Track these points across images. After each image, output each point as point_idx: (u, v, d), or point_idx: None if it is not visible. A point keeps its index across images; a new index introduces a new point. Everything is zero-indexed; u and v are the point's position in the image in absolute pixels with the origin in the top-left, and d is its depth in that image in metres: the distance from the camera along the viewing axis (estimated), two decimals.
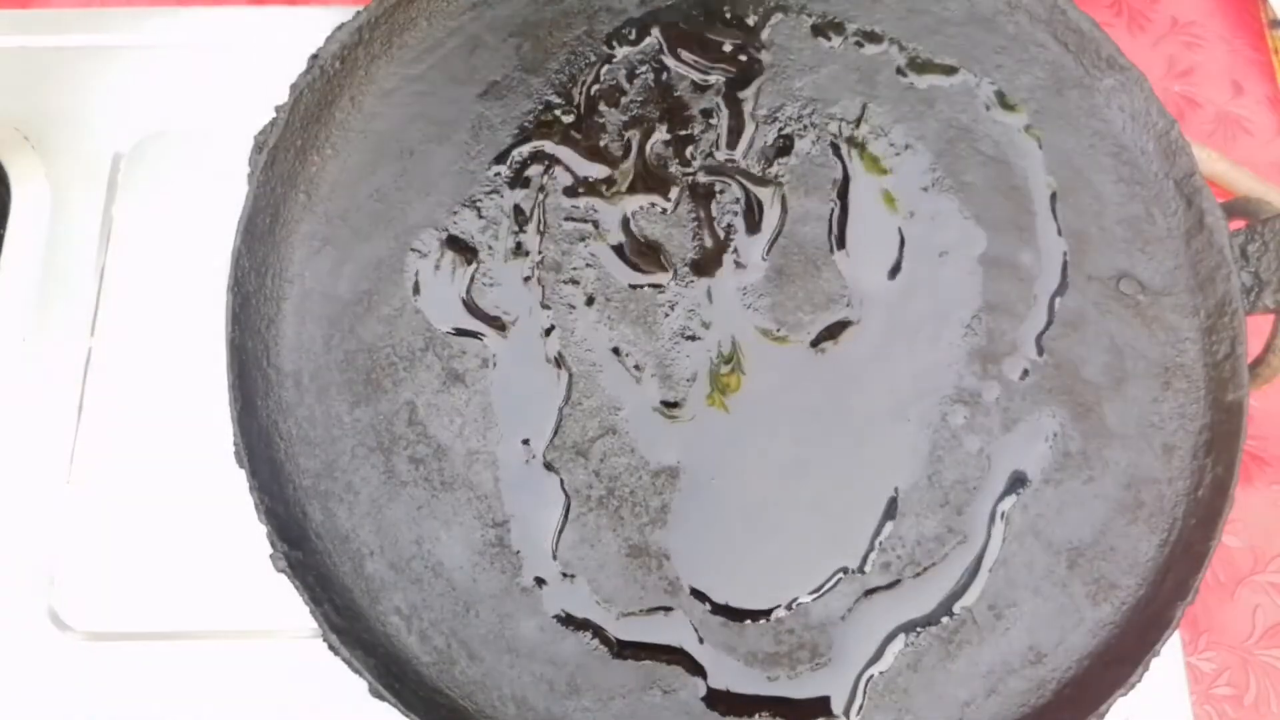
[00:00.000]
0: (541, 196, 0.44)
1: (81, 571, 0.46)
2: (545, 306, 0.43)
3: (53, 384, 0.49)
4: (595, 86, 0.46)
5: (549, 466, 0.41)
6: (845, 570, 0.40)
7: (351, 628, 0.38)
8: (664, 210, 0.44)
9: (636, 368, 0.42)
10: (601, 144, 0.45)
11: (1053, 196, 0.45)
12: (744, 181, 0.45)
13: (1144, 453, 0.42)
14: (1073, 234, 0.44)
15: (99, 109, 0.53)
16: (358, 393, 0.42)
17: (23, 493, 0.47)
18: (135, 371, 0.49)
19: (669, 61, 0.46)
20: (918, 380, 0.43)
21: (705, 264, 0.44)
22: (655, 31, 0.46)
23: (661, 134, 0.45)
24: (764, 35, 0.47)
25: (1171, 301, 0.43)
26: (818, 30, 0.47)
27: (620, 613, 0.40)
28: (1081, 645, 0.40)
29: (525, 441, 0.41)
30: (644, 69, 0.46)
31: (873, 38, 0.47)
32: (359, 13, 0.44)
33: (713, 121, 0.45)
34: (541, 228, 0.44)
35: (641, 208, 0.44)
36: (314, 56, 0.43)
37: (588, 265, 0.44)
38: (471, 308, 0.43)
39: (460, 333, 0.42)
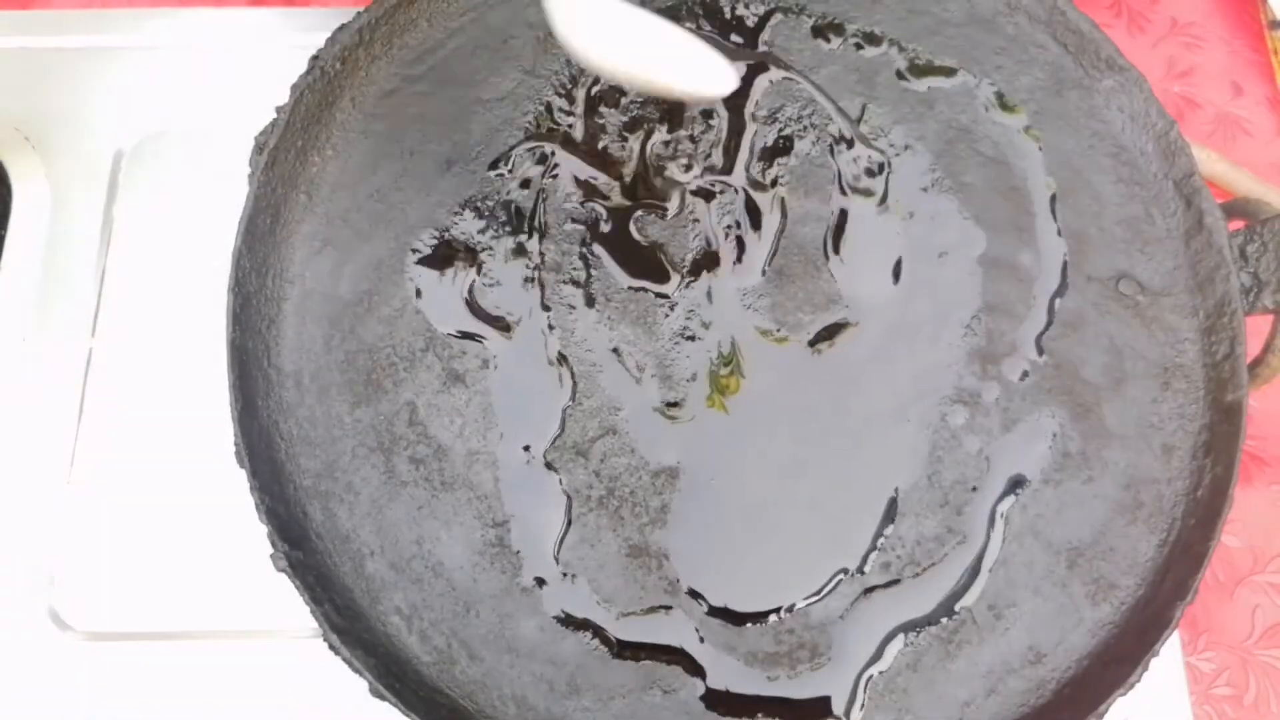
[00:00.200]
0: (542, 197, 0.44)
1: (81, 571, 0.46)
2: (545, 307, 0.43)
3: (53, 384, 0.49)
4: (595, 87, 0.46)
5: (549, 467, 0.41)
6: (845, 571, 0.40)
7: (352, 628, 0.38)
8: (664, 215, 0.44)
9: (637, 368, 0.43)
10: (602, 145, 0.45)
11: (1052, 197, 0.45)
12: (744, 184, 0.45)
13: (1143, 453, 0.42)
14: (1072, 234, 0.44)
15: (99, 109, 0.53)
16: (358, 393, 0.42)
17: (23, 493, 0.47)
18: (135, 371, 0.49)
19: None
20: (917, 381, 0.43)
21: (705, 265, 0.44)
22: None
23: (661, 134, 0.45)
24: (764, 36, 0.47)
25: (1171, 302, 0.43)
26: (818, 31, 0.47)
27: (620, 613, 0.40)
28: (1081, 645, 0.40)
29: (526, 448, 0.41)
30: None
31: (872, 39, 0.47)
32: (359, 14, 0.44)
33: (712, 122, 0.45)
34: (542, 229, 0.44)
35: (649, 223, 0.44)
36: (315, 57, 0.43)
37: (588, 265, 0.44)
38: (474, 309, 0.43)
39: (463, 335, 0.42)
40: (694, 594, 0.40)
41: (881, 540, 0.41)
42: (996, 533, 0.41)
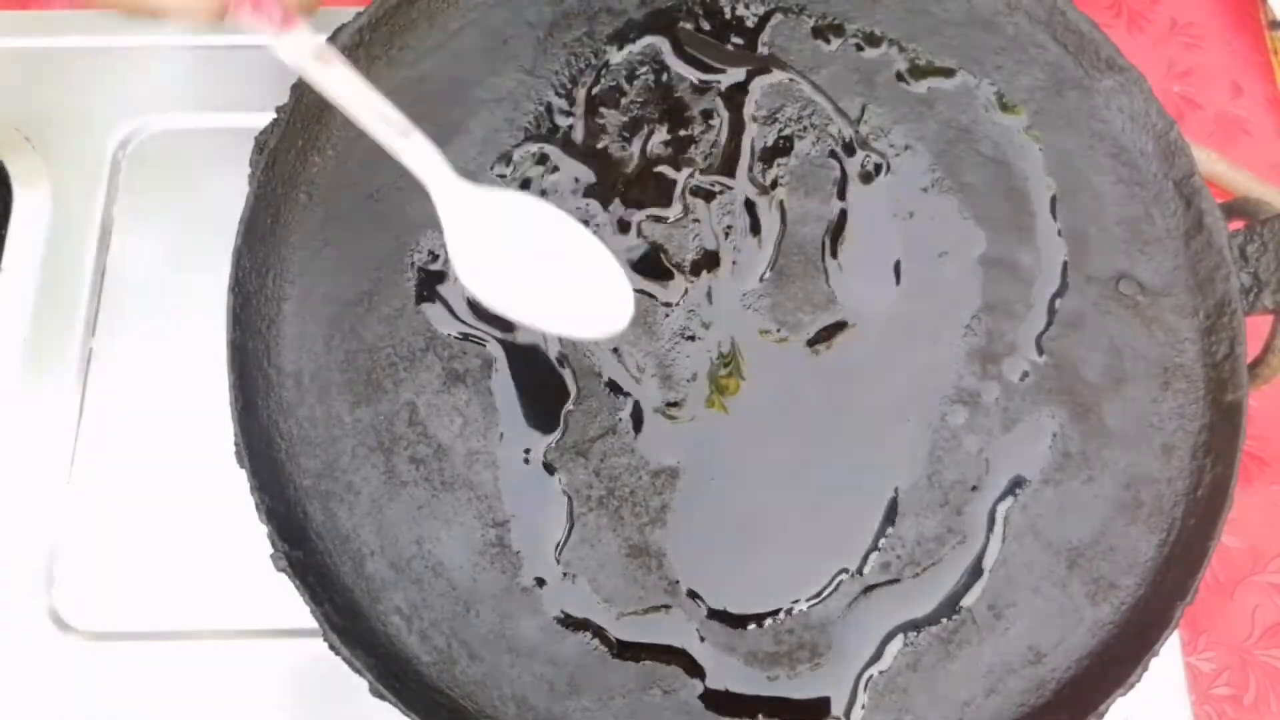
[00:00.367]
0: (543, 196, 0.44)
1: (81, 571, 0.46)
2: None
3: (53, 384, 0.49)
4: (596, 87, 0.46)
5: (549, 467, 0.41)
6: (845, 572, 0.40)
7: (352, 627, 0.38)
8: (665, 220, 0.44)
9: (637, 368, 0.42)
10: (602, 145, 0.45)
11: (1052, 197, 0.45)
12: (744, 184, 0.45)
13: (1143, 453, 0.42)
14: (1072, 234, 0.44)
15: (99, 109, 0.53)
16: (358, 393, 0.42)
17: (23, 493, 0.47)
18: (135, 371, 0.49)
19: (670, 63, 0.46)
20: (917, 381, 0.43)
21: (705, 265, 0.44)
22: (658, 36, 0.46)
23: (662, 135, 0.45)
24: (764, 36, 0.47)
25: (1171, 302, 0.43)
26: (818, 32, 0.47)
27: (620, 613, 0.40)
28: (1081, 645, 0.40)
29: (526, 449, 0.41)
30: (644, 70, 0.46)
31: (872, 39, 0.47)
32: (359, 14, 0.44)
33: (713, 122, 0.45)
34: None
35: (649, 223, 0.44)
36: None
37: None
38: (477, 309, 0.43)
39: (465, 338, 0.42)
40: (693, 595, 0.40)
41: (881, 540, 0.41)
42: (996, 533, 0.41)
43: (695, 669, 0.39)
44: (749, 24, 0.47)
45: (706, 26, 0.47)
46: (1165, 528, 0.41)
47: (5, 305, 0.50)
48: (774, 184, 0.45)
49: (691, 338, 0.43)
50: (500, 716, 0.39)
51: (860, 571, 0.40)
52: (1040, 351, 0.43)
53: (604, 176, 0.45)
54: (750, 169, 0.45)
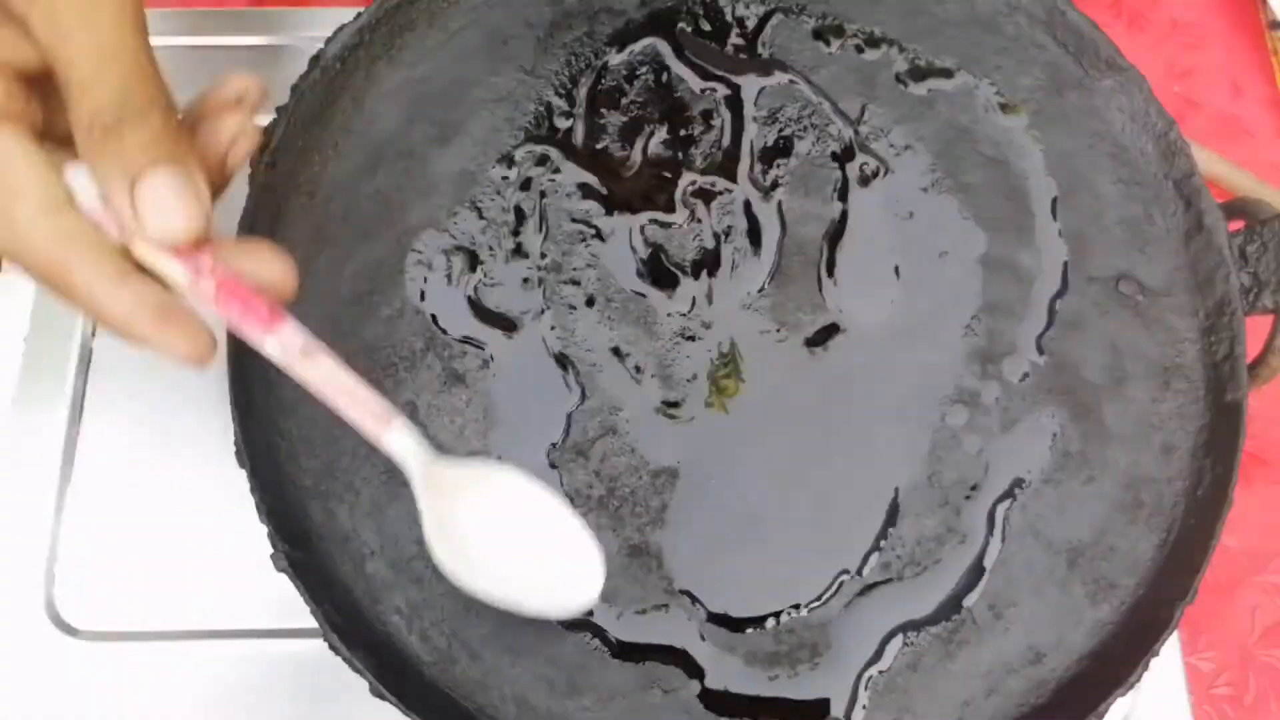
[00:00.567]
0: (542, 198, 0.44)
1: (81, 571, 0.46)
2: (546, 307, 0.43)
3: (52, 384, 0.49)
4: (596, 88, 0.46)
5: (549, 467, 0.41)
6: (846, 573, 0.40)
7: (352, 627, 0.38)
8: (666, 225, 0.44)
9: (637, 368, 0.43)
10: (602, 145, 0.45)
11: (1053, 198, 0.45)
12: (744, 184, 0.45)
13: (1143, 453, 0.42)
14: (1072, 235, 0.44)
15: None
16: None
17: (23, 493, 0.47)
18: (135, 371, 0.49)
19: (671, 64, 0.46)
20: (917, 381, 0.43)
21: (705, 266, 0.44)
22: (658, 37, 0.46)
23: (662, 135, 0.45)
24: (764, 36, 0.47)
25: (1171, 302, 0.43)
26: (818, 33, 0.47)
27: (620, 612, 0.40)
28: (1081, 645, 0.40)
29: (527, 449, 0.41)
30: (644, 70, 0.46)
31: (872, 40, 0.47)
32: (360, 14, 0.44)
33: (713, 123, 0.45)
34: (542, 229, 0.44)
35: (649, 224, 0.44)
36: (315, 58, 0.43)
37: (588, 266, 0.44)
38: (478, 310, 0.43)
39: (466, 340, 0.42)
40: (693, 597, 0.40)
41: (882, 541, 0.41)
42: (996, 533, 0.41)
43: (695, 669, 0.39)
44: (749, 24, 0.47)
45: (706, 27, 0.47)
46: (1165, 528, 0.41)
47: (5, 305, 0.50)
48: (774, 185, 0.45)
49: (691, 338, 0.43)
50: (500, 716, 0.39)
51: (860, 572, 0.40)
52: (1040, 351, 0.43)
53: (605, 178, 0.45)
54: (750, 170, 0.45)
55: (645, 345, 0.43)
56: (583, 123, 0.45)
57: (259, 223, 0.42)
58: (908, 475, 0.42)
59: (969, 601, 0.40)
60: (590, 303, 0.43)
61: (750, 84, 0.46)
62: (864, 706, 0.39)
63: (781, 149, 0.45)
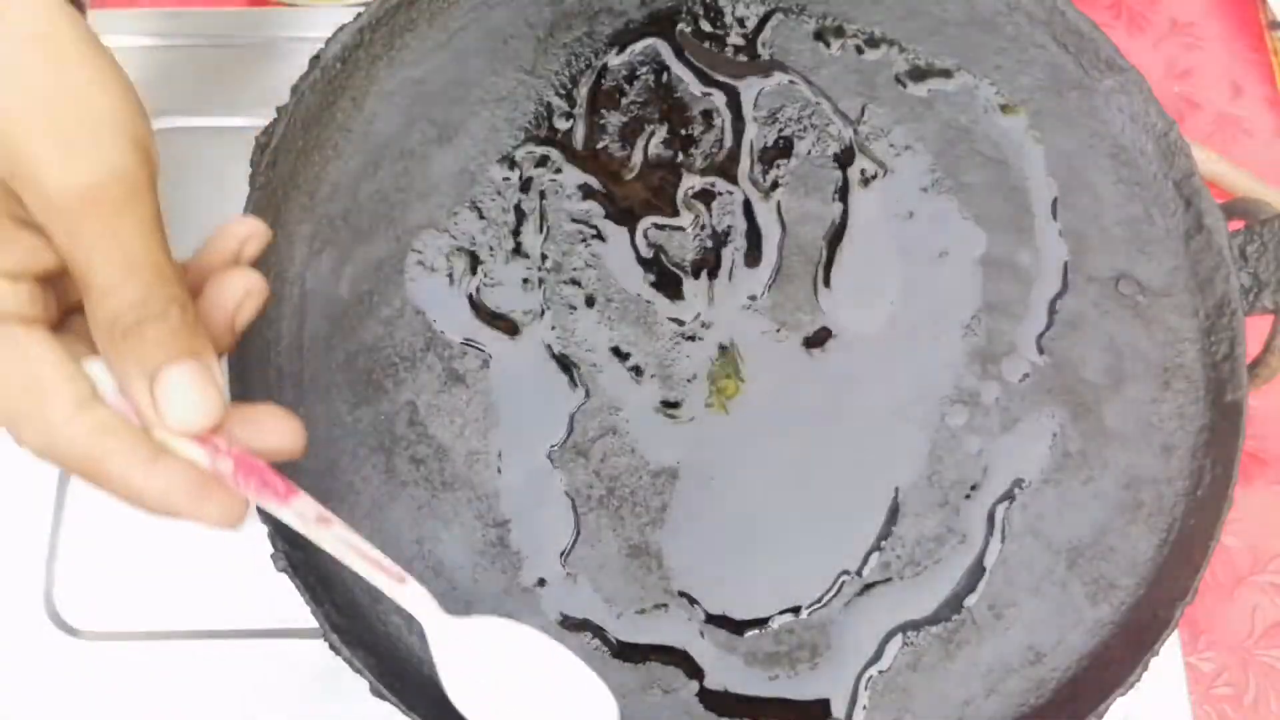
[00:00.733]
0: (542, 198, 0.44)
1: (81, 571, 0.46)
2: (546, 307, 0.43)
3: None
4: (596, 88, 0.46)
5: (550, 467, 0.41)
6: (846, 573, 0.40)
7: (353, 627, 0.38)
8: (667, 229, 0.44)
9: (637, 368, 0.43)
10: (602, 145, 0.45)
11: (1053, 198, 0.45)
12: (744, 185, 0.45)
13: (1143, 453, 0.42)
14: (1072, 235, 0.44)
15: None
16: (359, 393, 0.42)
17: (23, 493, 0.47)
18: None
19: (672, 65, 0.46)
20: (917, 381, 0.43)
21: (706, 266, 0.44)
22: (658, 38, 0.46)
23: (662, 135, 0.45)
24: (764, 36, 0.47)
25: (1171, 302, 0.43)
26: (818, 33, 0.47)
27: (620, 612, 0.40)
28: (1080, 645, 0.40)
29: (527, 449, 0.41)
30: (645, 70, 0.46)
31: (872, 40, 0.47)
32: (360, 14, 0.44)
33: (714, 123, 0.45)
34: (543, 229, 0.44)
35: (650, 224, 0.44)
36: (315, 58, 0.43)
37: (588, 266, 0.44)
38: (479, 310, 0.43)
39: (467, 342, 0.42)
40: (692, 598, 0.40)
41: (882, 541, 0.41)
42: (996, 533, 0.41)
43: (695, 669, 0.39)
44: (749, 24, 0.47)
45: (706, 27, 0.47)
46: (1165, 528, 0.41)
47: None
48: (774, 185, 0.45)
49: (691, 338, 0.43)
50: None
51: (860, 572, 0.40)
52: (1040, 351, 0.43)
53: (605, 178, 0.45)
54: (751, 170, 0.45)
55: (645, 345, 0.43)
56: (583, 123, 0.45)
57: None
58: (908, 475, 0.42)
59: (969, 601, 0.40)
60: (590, 303, 0.43)
61: (750, 86, 0.46)
62: (864, 706, 0.39)
63: (781, 149, 0.45)
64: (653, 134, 0.45)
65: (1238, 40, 0.59)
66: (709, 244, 0.44)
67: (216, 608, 0.46)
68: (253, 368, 0.41)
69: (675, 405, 0.42)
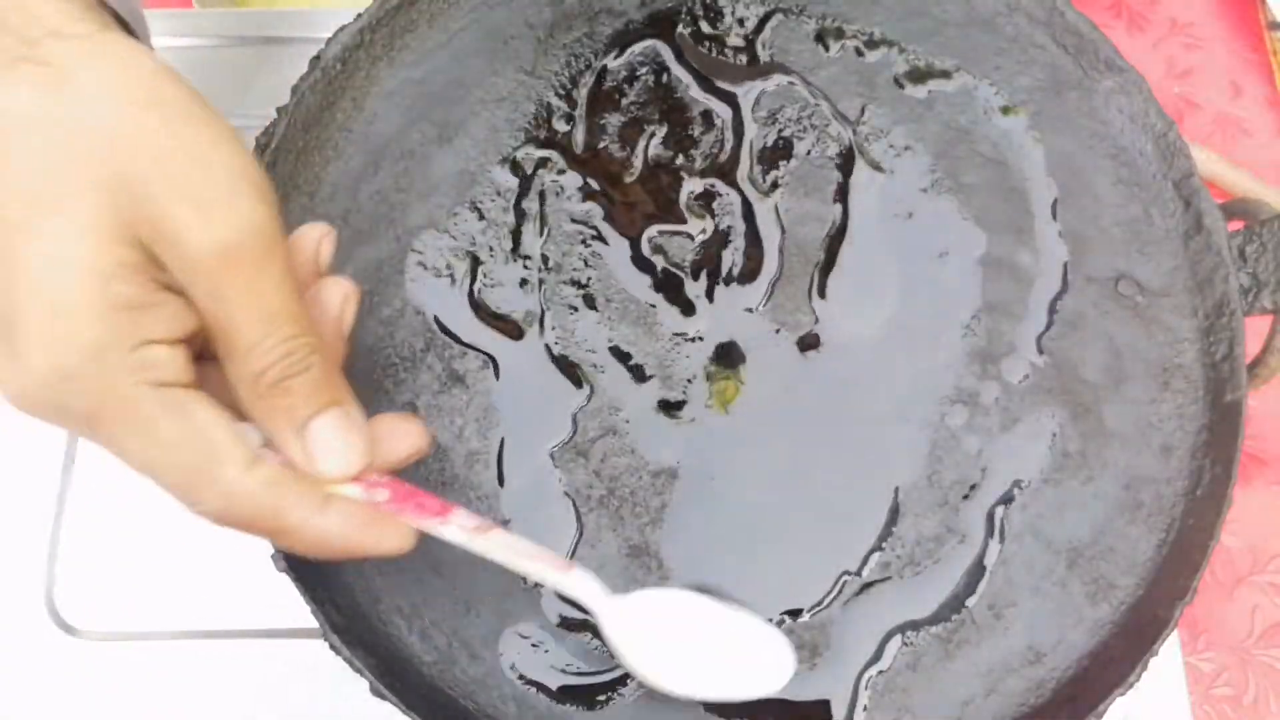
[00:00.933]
0: (542, 199, 0.44)
1: (81, 571, 0.46)
2: (546, 308, 0.43)
3: None
4: (596, 88, 0.46)
5: (550, 467, 0.41)
6: (846, 574, 0.40)
7: (353, 627, 0.38)
8: (673, 234, 0.44)
9: (637, 369, 0.43)
10: (602, 145, 0.45)
11: (1052, 198, 0.45)
12: (744, 185, 0.45)
13: (1143, 453, 0.42)
14: (1072, 235, 0.44)
15: None
16: (358, 394, 0.41)
17: (23, 493, 0.47)
18: None
19: (672, 66, 0.46)
20: (917, 381, 0.43)
21: (706, 266, 0.44)
22: (658, 39, 0.46)
23: (662, 135, 0.45)
24: (764, 37, 0.47)
25: (1170, 302, 0.43)
26: (817, 33, 0.47)
27: None
28: (1080, 645, 0.40)
29: (527, 449, 0.41)
30: (645, 71, 0.46)
31: (872, 41, 0.47)
32: (360, 14, 0.44)
33: (714, 124, 0.45)
34: (543, 230, 0.44)
35: (655, 230, 0.44)
36: (315, 58, 0.43)
37: (588, 266, 0.44)
38: (480, 311, 0.43)
39: (468, 343, 0.42)
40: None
41: (883, 541, 0.41)
42: (996, 533, 0.41)
43: None
44: (749, 24, 0.47)
45: (706, 28, 0.47)
46: (1165, 528, 0.41)
47: None
48: (774, 185, 0.45)
49: (692, 339, 0.43)
50: (500, 716, 0.39)
51: (860, 572, 0.41)
52: (1040, 352, 0.43)
53: (605, 179, 0.45)
54: (750, 171, 0.45)
55: (645, 345, 0.43)
56: (583, 124, 0.45)
57: None
58: (908, 475, 0.42)
59: (969, 601, 0.40)
60: (590, 303, 0.43)
61: (750, 87, 0.46)
62: (864, 707, 0.39)
63: (781, 150, 0.45)
64: (653, 135, 0.45)
65: (1238, 40, 0.59)
66: (709, 245, 0.44)
67: (216, 608, 0.46)
68: None
69: (675, 405, 0.42)
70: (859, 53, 0.46)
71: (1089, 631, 0.40)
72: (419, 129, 0.45)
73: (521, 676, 0.39)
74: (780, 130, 0.46)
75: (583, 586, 0.34)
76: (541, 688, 0.39)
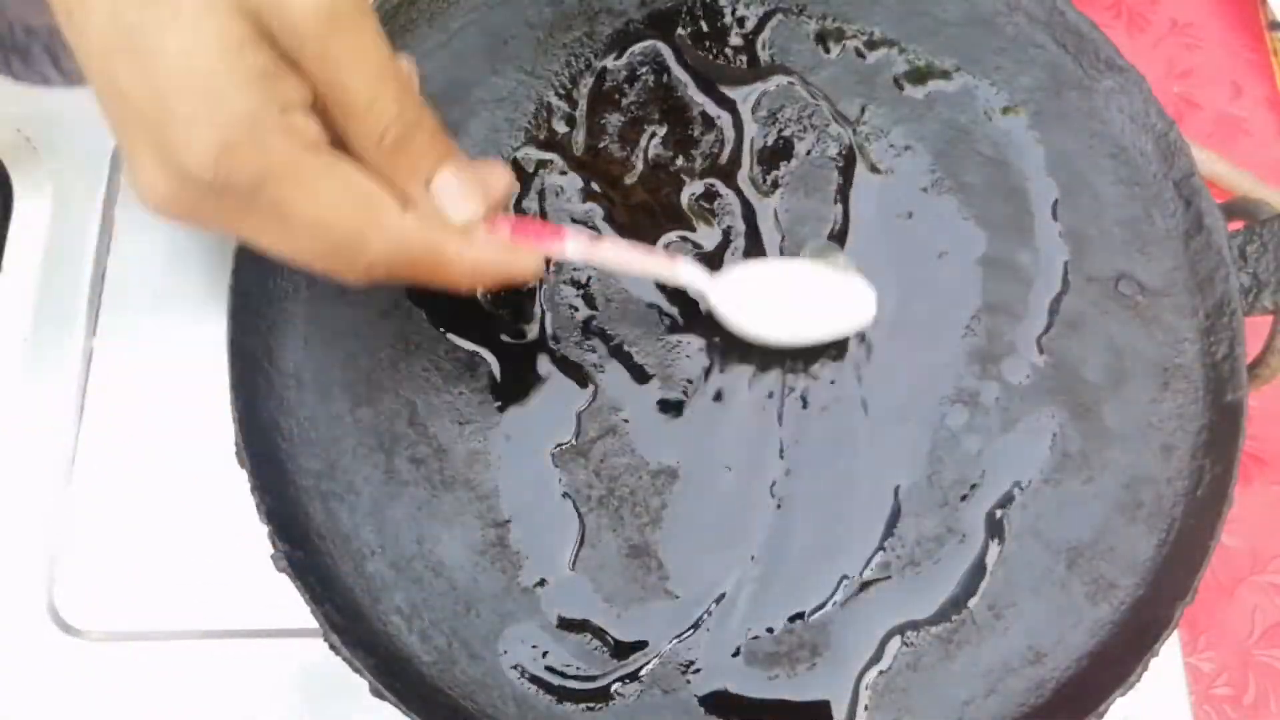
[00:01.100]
0: (542, 199, 0.44)
1: (81, 571, 0.46)
2: (546, 308, 0.43)
3: (53, 384, 0.49)
4: (596, 88, 0.46)
5: (550, 467, 0.41)
6: (846, 576, 0.40)
7: (352, 627, 0.38)
8: (684, 238, 0.44)
9: (637, 369, 0.43)
10: (603, 145, 0.45)
11: (1053, 198, 0.45)
12: (744, 185, 0.45)
13: (1143, 453, 0.42)
14: (1072, 235, 0.44)
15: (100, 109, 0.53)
16: (359, 393, 0.42)
17: (23, 493, 0.47)
18: (135, 371, 0.49)
19: (672, 66, 0.46)
20: (917, 381, 0.43)
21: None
22: (659, 39, 0.46)
23: (662, 135, 0.45)
24: (764, 37, 0.47)
25: (1170, 302, 0.43)
26: (817, 34, 0.47)
27: (620, 612, 0.40)
28: (1080, 645, 0.40)
29: (527, 449, 0.41)
30: (645, 71, 0.46)
31: (872, 40, 0.47)
32: None
33: (714, 124, 0.45)
34: None
35: (643, 215, 0.44)
36: None
37: (589, 266, 0.44)
38: (480, 311, 0.43)
39: (469, 343, 0.42)
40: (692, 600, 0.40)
41: (885, 541, 0.41)
42: (996, 533, 0.41)
43: (695, 669, 0.39)
44: (749, 25, 0.47)
45: (706, 28, 0.47)
46: (1165, 528, 0.41)
47: (5, 305, 0.50)
48: (775, 186, 0.45)
49: (693, 339, 0.43)
50: (500, 716, 0.39)
51: (859, 572, 0.40)
52: (1040, 352, 0.43)
53: (605, 179, 0.45)
54: (751, 171, 0.45)
55: (646, 345, 0.43)
56: (583, 124, 0.45)
57: None
58: (908, 475, 0.42)
59: (969, 602, 0.40)
60: (591, 303, 0.43)
61: (750, 90, 0.46)
62: (864, 707, 0.39)
63: (782, 150, 0.45)
64: (653, 135, 0.45)
65: (1238, 40, 0.59)
66: (710, 245, 0.44)
67: (216, 608, 0.46)
68: (253, 367, 0.41)
69: (675, 405, 0.42)
70: (859, 53, 0.46)
71: (1089, 631, 0.40)
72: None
73: (521, 676, 0.39)
74: (780, 131, 0.46)
75: (688, 275, 0.39)
76: (542, 688, 0.39)
